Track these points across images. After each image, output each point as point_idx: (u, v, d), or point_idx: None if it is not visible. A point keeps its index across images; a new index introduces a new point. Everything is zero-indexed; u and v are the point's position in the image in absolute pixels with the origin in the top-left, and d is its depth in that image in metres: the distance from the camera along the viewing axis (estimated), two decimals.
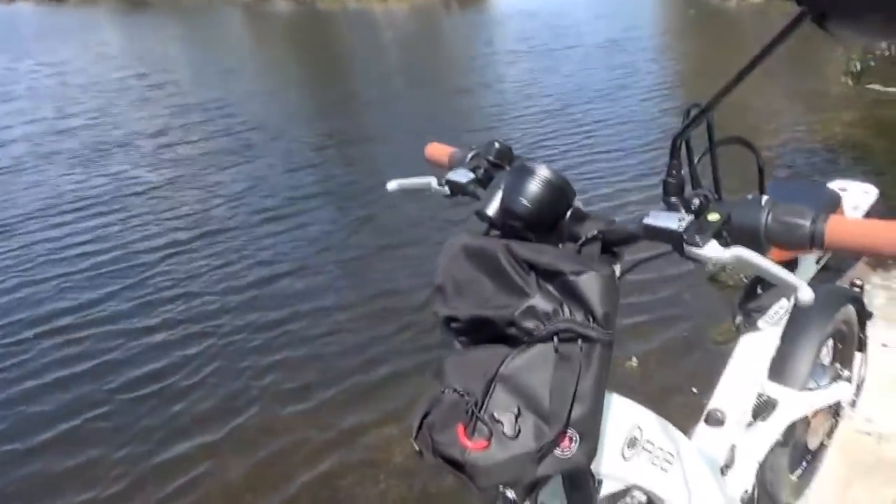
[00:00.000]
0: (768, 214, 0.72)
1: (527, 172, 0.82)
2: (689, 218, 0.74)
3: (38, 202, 5.15)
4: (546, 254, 0.77)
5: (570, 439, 0.72)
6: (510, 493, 0.81)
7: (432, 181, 1.05)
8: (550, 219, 0.83)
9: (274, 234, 4.30)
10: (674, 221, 0.73)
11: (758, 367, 1.34)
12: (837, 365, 1.68)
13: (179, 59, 11.91)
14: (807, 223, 0.70)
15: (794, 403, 1.40)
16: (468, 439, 0.71)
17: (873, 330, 1.81)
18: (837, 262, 2.68)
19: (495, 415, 0.72)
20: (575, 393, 0.72)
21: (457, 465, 0.72)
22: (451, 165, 1.06)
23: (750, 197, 0.76)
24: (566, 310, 0.74)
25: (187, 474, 2.39)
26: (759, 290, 1.33)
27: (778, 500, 1.58)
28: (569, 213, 0.84)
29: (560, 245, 0.84)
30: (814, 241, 0.70)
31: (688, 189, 0.78)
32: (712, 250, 0.72)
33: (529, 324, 0.74)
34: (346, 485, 2.30)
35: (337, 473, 2.35)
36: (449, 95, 7.97)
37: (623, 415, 0.91)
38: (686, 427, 1.08)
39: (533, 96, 7.29)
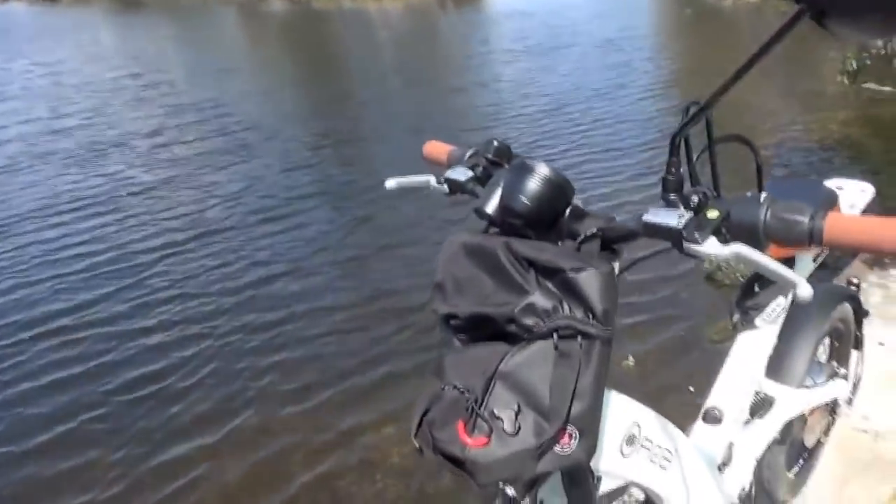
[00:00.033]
0: (767, 211, 0.73)
1: (526, 170, 0.82)
2: (688, 215, 0.74)
3: (33, 202, 5.13)
4: (546, 251, 0.77)
5: (570, 436, 0.72)
6: (510, 490, 0.81)
7: (431, 179, 1.05)
8: (550, 216, 0.83)
9: (270, 235, 4.29)
10: (673, 218, 0.74)
11: (755, 364, 1.34)
12: (834, 363, 1.68)
13: (174, 58, 11.88)
14: (805, 220, 0.71)
15: (791, 401, 1.40)
16: (468, 436, 0.71)
17: (870, 328, 1.82)
18: (834, 261, 2.69)
19: (495, 412, 0.72)
20: (574, 389, 0.72)
21: (457, 462, 0.72)
22: (450, 164, 1.06)
23: (749, 194, 0.76)
24: (566, 307, 0.74)
25: (185, 476, 2.39)
26: (757, 289, 1.33)
27: (775, 497, 1.58)
28: (568, 211, 0.84)
29: (559, 243, 0.84)
30: (812, 237, 0.70)
31: (687, 186, 0.78)
32: (711, 247, 0.72)
33: (529, 321, 0.74)
34: (344, 485, 2.30)
35: (335, 474, 2.34)
36: (445, 95, 7.97)
37: (621, 412, 0.91)
38: (683, 426, 1.08)
39: (530, 96, 7.30)
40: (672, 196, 0.77)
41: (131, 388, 2.87)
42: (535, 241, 0.81)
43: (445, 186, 1.02)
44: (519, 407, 0.72)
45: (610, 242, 0.82)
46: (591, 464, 0.82)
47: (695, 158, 0.84)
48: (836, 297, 1.59)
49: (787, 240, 0.72)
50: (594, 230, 0.81)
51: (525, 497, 0.83)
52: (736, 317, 1.36)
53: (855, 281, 1.72)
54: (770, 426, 1.37)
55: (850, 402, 1.71)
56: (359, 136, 6.48)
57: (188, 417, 2.68)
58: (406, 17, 16.16)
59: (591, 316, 0.73)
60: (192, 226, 4.50)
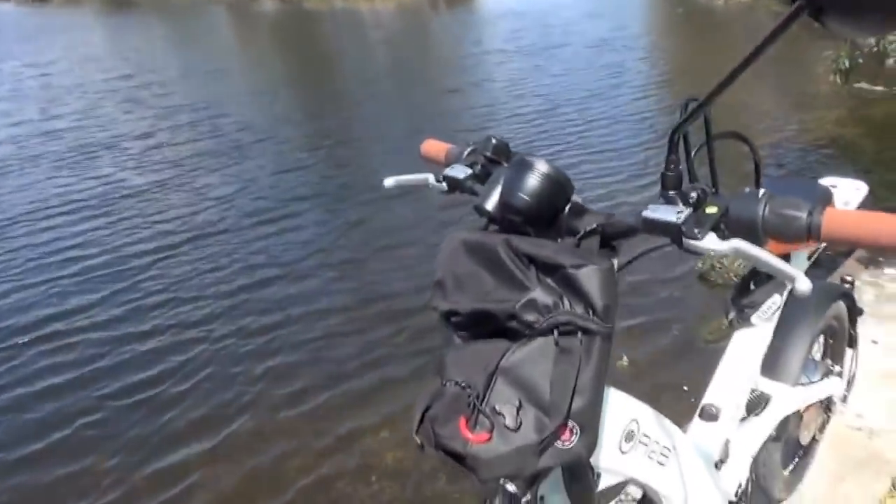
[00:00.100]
0: (765, 207, 0.73)
1: (526, 167, 0.83)
2: (687, 211, 0.74)
3: (24, 206, 5.09)
4: (546, 248, 0.77)
5: (571, 431, 0.73)
6: (510, 487, 0.81)
7: (430, 177, 1.05)
8: (549, 213, 0.84)
9: (265, 237, 4.28)
10: (672, 214, 0.74)
11: (751, 362, 1.35)
12: (829, 361, 1.69)
13: (165, 59, 11.83)
14: (803, 215, 0.71)
15: (786, 398, 1.41)
16: (470, 432, 0.71)
17: (863, 327, 1.83)
18: (830, 262, 2.71)
19: (497, 407, 0.72)
20: (575, 385, 0.72)
21: (458, 458, 0.72)
22: (448, 162, 1.06)
23: (747, 190, 0.77)
24: (566, 303, 0.74)
25: (181, 482, 2.38)
26: (752, 286, 1.34)
27: (771, 494, 1.59)
28: (568, 208, 0.84)
29: (559, 239, 0.84)
30: (811, 232, 0.71)
31: (685, 183, 0.79)
32: (711, 242, 0.73)
33: (530, 317, 0.74)
34: (341, 487, 2.29)
35: (331, 477, 2.34)
36: (439, 95, 7.98)
37: (620, 408, 0.91)
38: (678, 424, 1.08)
39: (524, 96, 7.31)
40: (671, 192, 0.77)
41: (126, 394, 2.85)
42: (535, 238, 0.81)
43: (444, 184, 1.02)
44: (520, 403, 0.72)
45: (609, 239, 0.82)
46: (591, 460, 0.82)
47: (692, 154, 0.84)
48: (831, 295, 1.60)
49: (786, 235, 0.72)
50: (594, 226, 0.82)
51: (526, 493, 0.83)
52: (731, 314, 1.36)
53: (849, 279, 1.73)
54: (766, 423, 1.37)
55: (844, 399, 1.72)
56: (353, 137, 6.48)
57: (183, 423, 2.67)
58: (398, 17, 16.16)
59: (591, 312, 0.73)
60: (186, 228, 4.48)
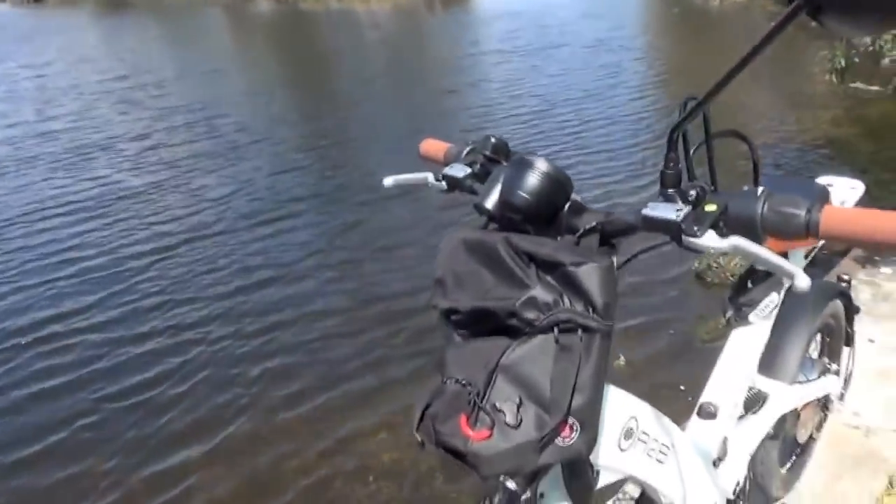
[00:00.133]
0: (764, 205, 0.73)
1: (526, 165, 0.83)
2: (686, 209, 0.74)
3: (20, 207, 5.08)
4: (545, 245, 0.77)
5: (571, 428, 0.73)
6: (511, 484, 0.81)
7: (429, 176, 1.05)
8: (549, 211, 0.84)
9: (262, 238, 4.27)
10: (672, 212, 0.74)
11: (748, 360, 1.35)
12: (826, 359, 1.70)
13: (161, 60, 11.82)
14: (802, 213, 0.71)
15: (783, 396, 1.41)
16: (470, 429, 0.71)
17: (860, 325, 1.84)
18: (826, 261, 2.71)
19: (497, 405, 0.72)
20: (575, 383, 0.73)
21: (459, 456, 0.72)
22: (447, 161, 1.06)
23: (746, 188, 0.77)
24: (566, 300, 0.74)
25: (179, 484, 2.37)
26: (750, 285, 1.34)
27: (769, 492, 1.59)
28: (567, 206, 0.85)
29: (559, 237, 0.84)
30: (809, 229, 0.71)
31: (684, 181, 0.79)
32: (710, 240, 0.73)
33: (530, 314, 0.74)
34: (338, 487, 2.29)
35: (329, 477, 2.34)
36: (436, 96, 7.98)
37: (619, 406, 0.91)
38: (676, 423, 1.08)
39: (521, 97, 7.32)
40: (670, 190, 0.77)
41: (123, 396, 2.85)
42: (535, 236, 0.82)
43: (443, 183, 1.02)
44: (520, 400, 0.72)
45: (609, 237, 0.83)
46: (591, 458, 0.82)
47: (691, 152, 0.84)
48: (828, 293, 1.61)
49: (785, 232, 0.73)
50: (593, 224, 0.82)
51: (526, 490, 0.83)
52: (729, 313, 1.36)
53: (846, 278, 1.74)
54: (763, 421, 1.38)
55: (841, 397, 1.72)
56: (350, 138, 6.48)
57: (181, 424, 2.66)
58: (394, 17, 16.17)
59: (591, 309, 0.74)
60: (183, 230, 4.47)
